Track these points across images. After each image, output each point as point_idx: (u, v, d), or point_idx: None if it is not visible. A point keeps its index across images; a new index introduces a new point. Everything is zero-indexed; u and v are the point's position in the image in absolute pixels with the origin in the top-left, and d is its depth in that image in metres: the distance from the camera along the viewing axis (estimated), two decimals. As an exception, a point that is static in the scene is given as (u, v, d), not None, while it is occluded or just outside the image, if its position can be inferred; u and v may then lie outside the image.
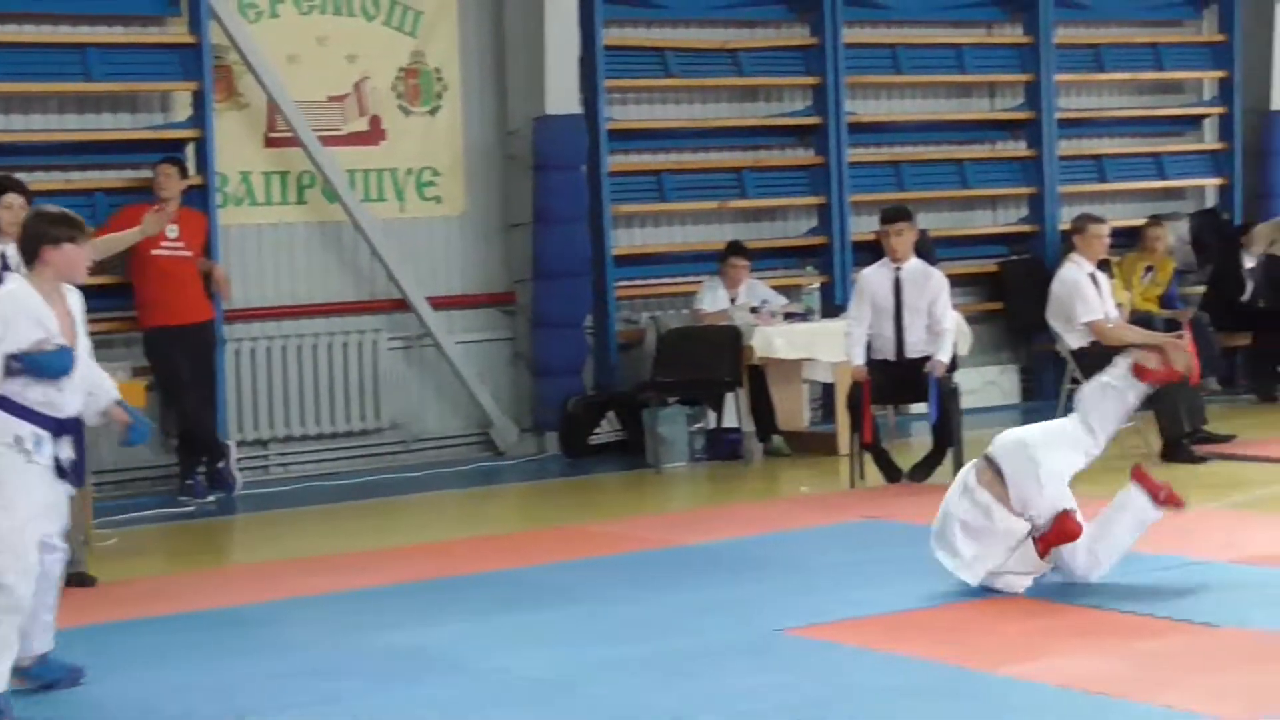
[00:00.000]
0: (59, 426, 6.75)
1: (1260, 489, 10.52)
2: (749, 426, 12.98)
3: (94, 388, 7.00)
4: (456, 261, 13.83)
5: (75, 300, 6.96)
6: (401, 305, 13.46)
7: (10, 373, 6.64)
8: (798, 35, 15.10)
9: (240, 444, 12.62)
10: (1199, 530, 8.25)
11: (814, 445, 13.23)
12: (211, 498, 11.98)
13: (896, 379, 11.49)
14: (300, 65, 13.19)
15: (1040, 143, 15.98)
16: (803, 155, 15.16)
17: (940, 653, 6.91)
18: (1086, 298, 12.00)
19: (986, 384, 15.35)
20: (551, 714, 6.38)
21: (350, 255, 13.41)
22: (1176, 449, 11.70)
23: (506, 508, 12.22)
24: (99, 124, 12.57)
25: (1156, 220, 15.17)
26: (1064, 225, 15.02)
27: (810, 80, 15.03)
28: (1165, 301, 14.62)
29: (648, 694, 6.51)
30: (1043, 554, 7.83)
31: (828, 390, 13.89)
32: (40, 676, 6.89)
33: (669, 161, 14.67)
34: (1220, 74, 16.91)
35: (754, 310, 13.24)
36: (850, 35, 15.15)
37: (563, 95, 13.63)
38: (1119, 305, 12.69)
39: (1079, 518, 7.83)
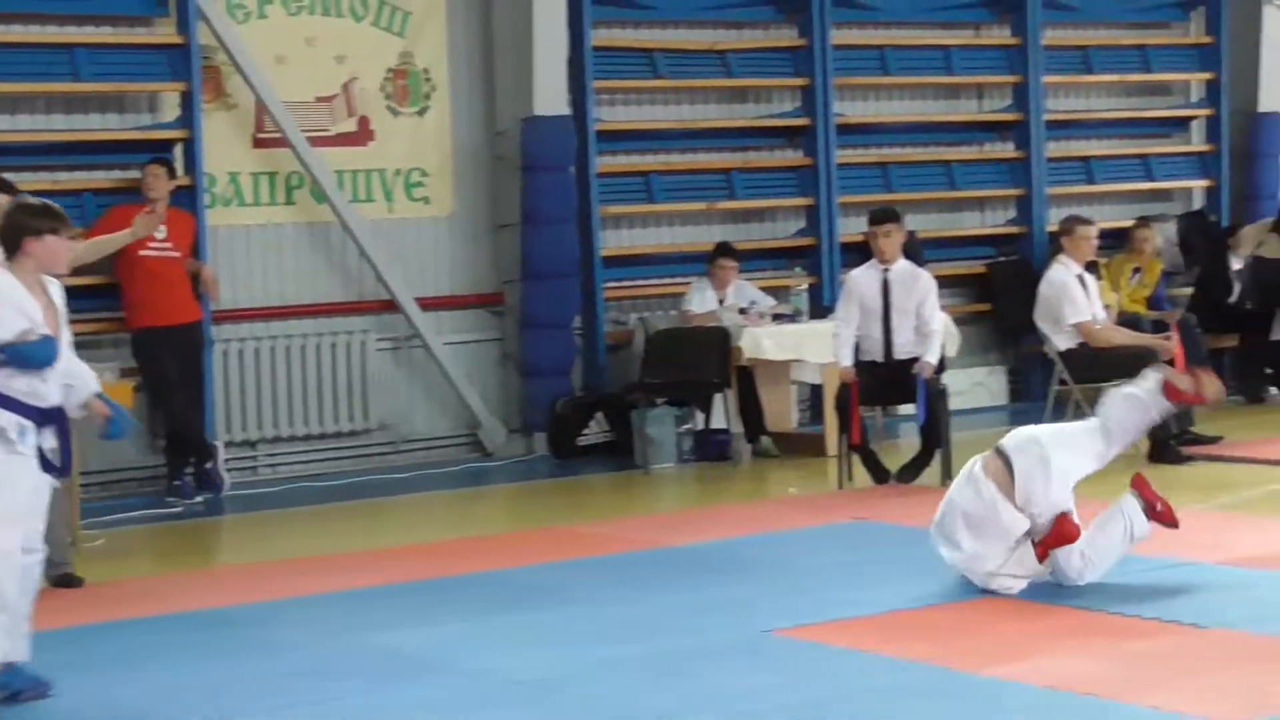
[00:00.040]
0: (43, 416, 6.72)
1: (1247, 490, 10.54)
2: (737, 428, 12.98)
3: (74, 379, 6.98)
4: (445, 262, 13.82)
5: (57, 291, 6.95)
6: (390, 306, 13.45)
7: None
8: (786, 36, 15.10)
9: (228, 445, 12.63)
10: (1186, 531, 8.25)
11: (802, 446, 13.23)
12: (199, 498, 11.96)
13: (885, 380, 11.49)
14: (288, 66, 13.18)
15: (1028, 144, 15.98)
16: (791, 156, 15.16)
17: (929, 653, 6.91)
18: (1074, 299, 12.05)
19: (974, 385, 15.36)
20: (542, 715, 6.39)
21: (339, 256, 13.40)
22: (1164, 450, 11.71)
23: (495, 509, 12.21)
24: (87, 124, 12.55)
25: (1144, 222, 15.16)
26: (1052, 227, 15.09)
27: (798, 81, 15.03)
28: (1153, 303, 14.61)
29: (639, 694, 6.51)
30: (1041, 558, 7.83)
31: (816, 391, 13.91)
32: (7, 685, 6.69)
33: (657, 162, 14.66)
34: (1207, 76, 16.92)
35: (742, 311, 13.24)
36: (838, 36, 15.16)
37: (551, 96, 13.63)
38: (1107, 307, 12.73)
39: (1076, 520, 7.84)
